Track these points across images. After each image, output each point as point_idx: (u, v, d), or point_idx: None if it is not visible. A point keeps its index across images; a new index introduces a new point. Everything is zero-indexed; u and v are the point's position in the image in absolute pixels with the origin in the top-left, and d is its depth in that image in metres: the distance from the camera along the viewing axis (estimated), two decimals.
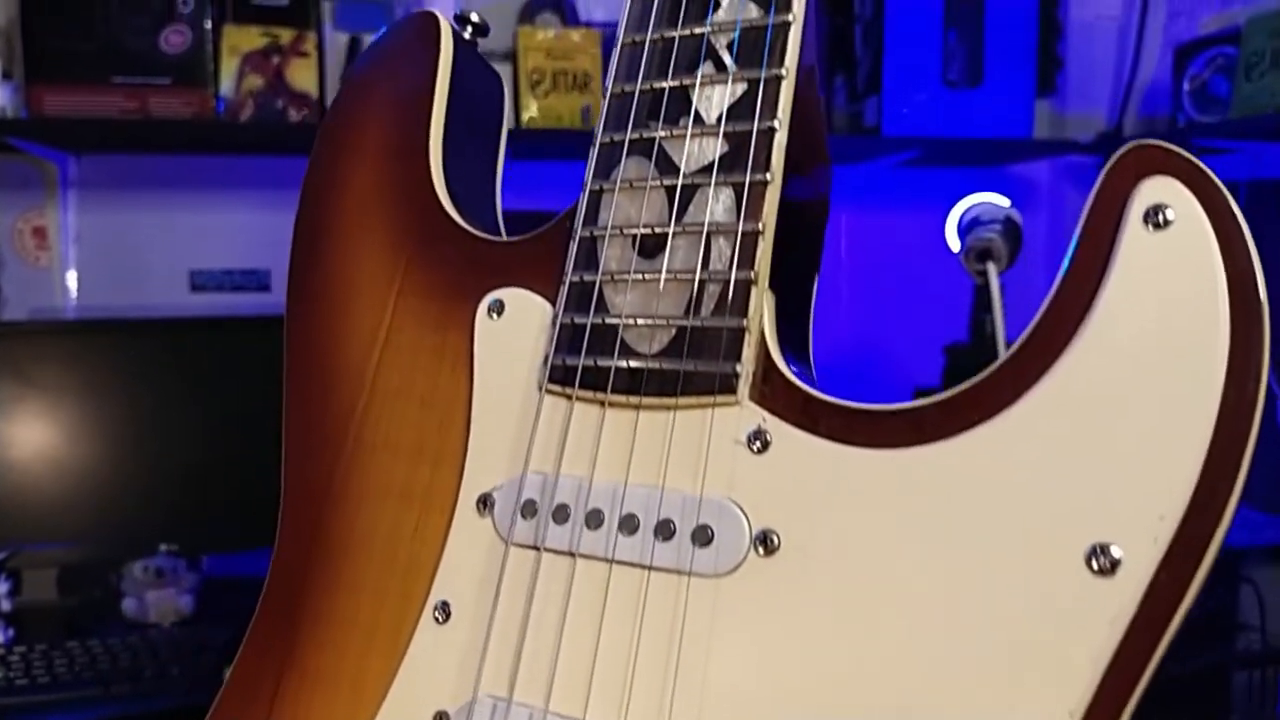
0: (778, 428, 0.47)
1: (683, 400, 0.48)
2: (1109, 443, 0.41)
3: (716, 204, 0.49)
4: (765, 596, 0.46)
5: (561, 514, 0.50)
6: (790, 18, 0.50)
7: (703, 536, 0.47)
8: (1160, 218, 0.42)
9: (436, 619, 0.52)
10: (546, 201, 1.10)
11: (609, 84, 0.54)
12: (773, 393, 0.48)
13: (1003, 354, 0.44)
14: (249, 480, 1.30)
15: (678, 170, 0.51)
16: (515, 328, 0.54)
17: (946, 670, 0.43)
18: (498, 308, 0.55)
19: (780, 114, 0.49)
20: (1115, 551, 0.40)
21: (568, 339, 0.52)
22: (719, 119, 0.50)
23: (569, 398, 0.51)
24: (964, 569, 0.43)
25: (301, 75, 1.51)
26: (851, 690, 0.44)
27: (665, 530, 0.48)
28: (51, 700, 1.18)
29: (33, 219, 1.60)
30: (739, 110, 0.50)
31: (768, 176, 0.48)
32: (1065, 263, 0.44)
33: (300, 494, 0.58)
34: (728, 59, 0.51)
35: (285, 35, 1.50)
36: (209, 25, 1.47)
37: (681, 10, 0.52)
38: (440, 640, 0.52)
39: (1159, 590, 0.40)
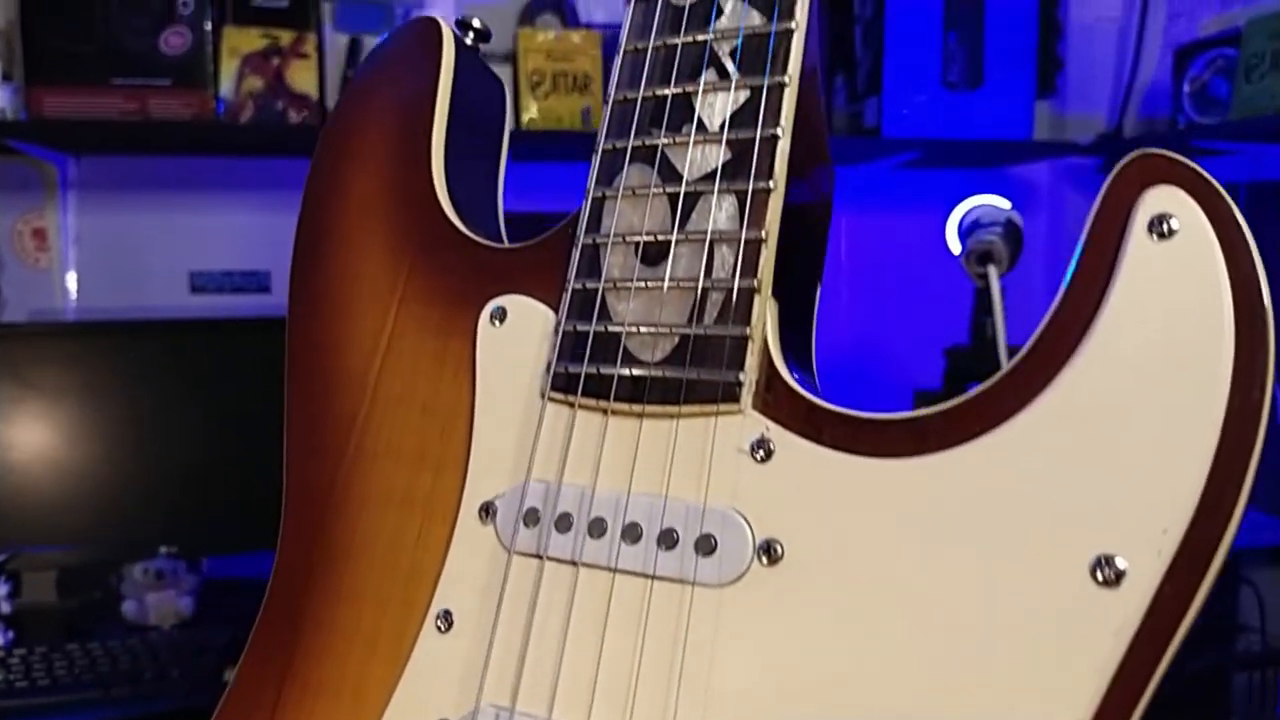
0: (781, 436, 0.47)
1: (686, 409, 0.48)
2: (1113, 454, 0.41)
3: (719, 211, 0.49)
4: (769, 606, 0.46)
5: (564, 522, 0.50)
6: (793, 25, 0.50)
7: (706, 546, 0.47)
8: (1165, 227, 0.41)
9: (439, 627, 0.52)
10: (546, 203, 1.10)
11: (611, 91, 0.54)
12: (776, 401, 0.47)
13: (1005, 361, 0.44)
14: (249, 482, 1.30)
15: (680, 177, 0.51)
16: (517, 335, 0.54)
17: (950, 681, 0.43)
18: (500, 315, 0.54)
19: (783, 121, 0.49)
20: (1120, 563, 0.40)
21: (570, 346, 0.52)
22: (722, 126, 0.50)
23: (572, 405, 0.51)
24: (968, 580, 0.43)
25: (301, 77, 1.51)
26: (855, 701, 0.44)
27: (668, 539, 0.48)
28: (51, 703, 1.18)
29: (32, 220, 1.60)
30: (742, 117, 0.50)
31: (771, 184, 0.48)
32: (1069, 272, 0.44)
33: (302, 501, 0.58)
34: (730, 66, 0.51)
35: (285, 37, 1.50)
36: (209, 27, 1.46)
37: (684, 17, 0.52)
38: (442, 649, 0.52)
39: (1164, 602, 0.40)
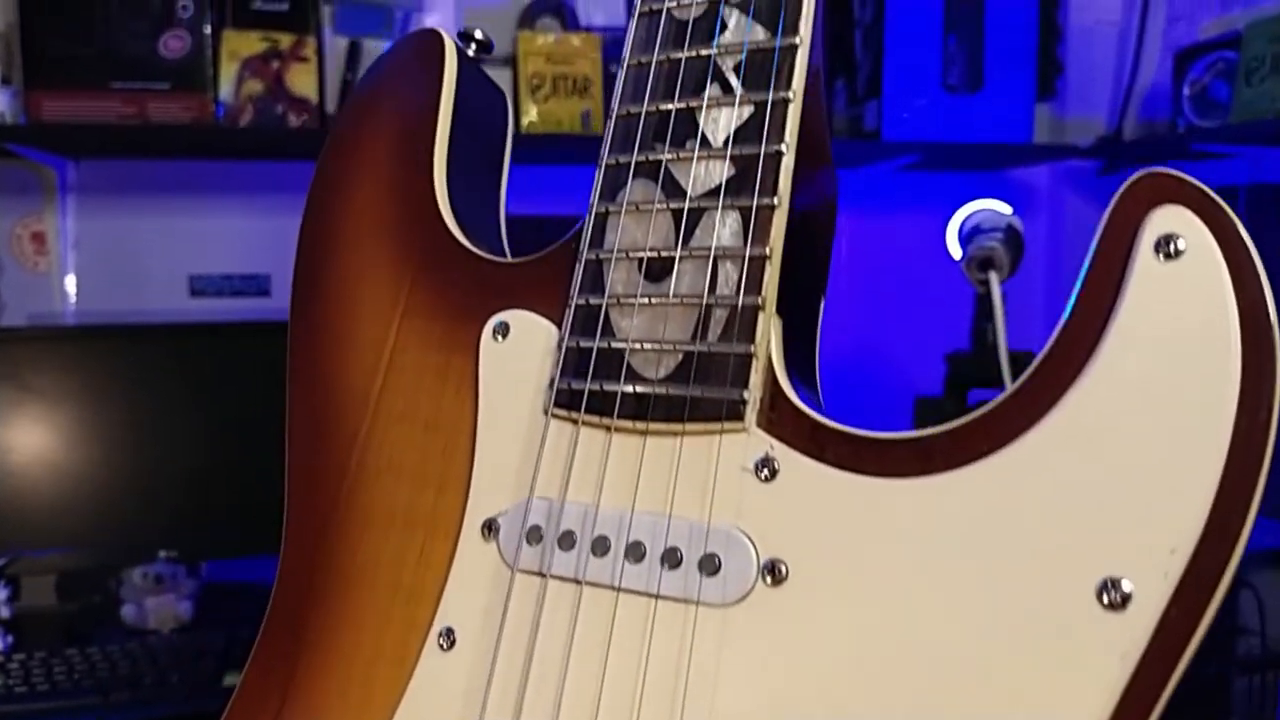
0: (785, 455, 0.47)
1: (690, 426, 0.48)
2: (1119, 476, 0.41)
3: (723, 228, 0.49)
4: (773, 627, 0.45)
5: (567, 540, 0.50)
6: (797, 40, 0.49)
7: (710, 565, 0.47)
8: (1171, 247, 0.41)
9: (441, 646, 0.52)
10: (546, 206, 1.10)
11: (614, 105, 0.54)
12: (780, 419, 0.47)
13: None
14: (249, 486, 1.30)
15: (684, 193, 0.50)
16: (520, 350, 0.54)
17: (957, 703, 0.42)
18: (503, 330, 0.54)
19: (788, 137, 0.49)
20: (1126, 586, 0.40)
21: (573, 363, 0.51)
22: (726, 142, 0.50)
23: (575, 422, 0.51)
24: (973, 602, 0.42)
25: (301, 80, 1.50)
26: None
27: (672, 558, 0.47)
28: (50, 708, 1.17)
29: (31, 224, 1.59)
30: (746, 133, 0.50)
31: (775, 200, 0.48)
32: (1075, 290, 0.43)
33: (303, 516, 0.58)
34: (734, 81, 0.50)
35: (285, 40, 1.50)
36: (208, 30, 1.46)
37: (688, 32, 0.52)
38: (445, 667, 0.52)
39: (1170, 624, 0.40)
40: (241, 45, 1.48)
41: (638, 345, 0.50)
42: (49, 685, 1.20)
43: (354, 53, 1.60)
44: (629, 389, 0.50)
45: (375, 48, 1.62)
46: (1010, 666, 0.42)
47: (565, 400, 0.51)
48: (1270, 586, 1.57)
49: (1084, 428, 0.42)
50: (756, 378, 0.47)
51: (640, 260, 0.51)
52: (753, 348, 0.47)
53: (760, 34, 0.50)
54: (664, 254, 0.50)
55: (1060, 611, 0.41)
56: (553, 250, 0.55)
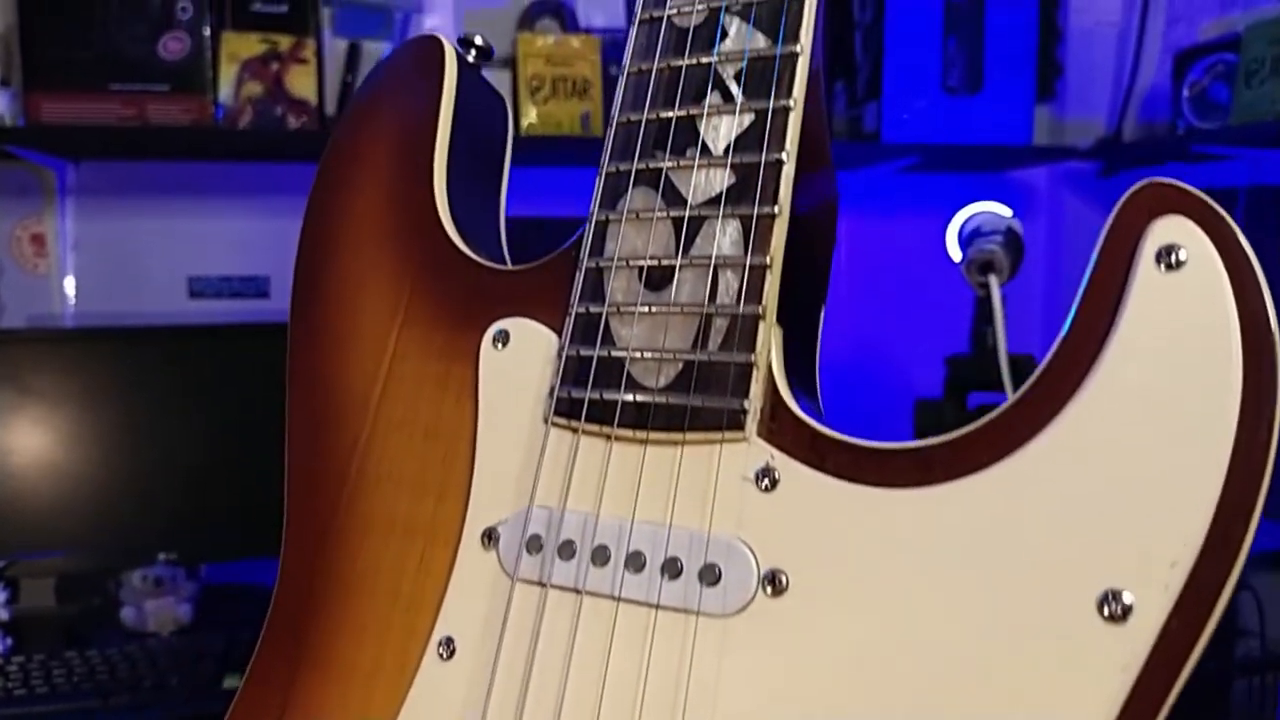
0: (786, 465, 0.46)
1: (690, 436, 0.48)
2: (1120, 488, 0.41)
3: (724, 236, 0.49)
4: (774, 637, 0.45)
5: (567, 550, 0.50)
6: (798, 48, 0.49)
7: (710, 575, 0.47)
8: (1173, 258, 0.41)
9: (440, 655, 0.52)
10: (546, 208, 1.10)
11: (615, 113, 0.53)
12: (781, 429, 0.47)
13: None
14: (248, 488, 1.30)
15: (685, 201, 0.50)
16: (520, 359, 0.54)
17: (956, 714, 0.42)
18: (503, 338, 0.54)
19: (788, 145, 0.49)
20: (1127, 598, 0.40)
21: (573, 371, 0.51)
22: (726, 150, 0.50)
23: (575, 431, 0.51)
24: (973, 613, 0.42)
25: (300, 82, 1.50)
26: None
27: (672, 568, 0.47)
28: (50, 711, 1.17)
29: (31, 226, 1.59)
30: (746, 141, 0.50)
31: (775, 209, 0.48)
32: (1077, 301, 0.43)
33: (303, 524, 0.57)
34: (735, 89, 0.50)
35: (284, 42, 1.49)
36: (208, 32, 1.46)
37: (688, 39, 0.52)
38: (444, 677, 0.52)
39: (1171, 637, 0.40)
40: (241, 47, 1.48)
41: (638, 354, 0.50)
42: (48, 688, 1.20)
43: (353, 55, 1.60)
44: (629, 398, 0.50)
45: (375, 49, 1.62)
46: (1010, 678, 0.42)
47: (565, 409, 0.51)
48: (1270, 588, 1.57)
49: (1084, 440, 0.42)
50: (757, 387, 0.47)
51: (640, 269, 0.51)
52: (753, 357, 0.47)
53: (761, 42, 0.50)
54: (664, 262, 0.50)
55: (1061, 623, 0.41)
56: (553, 258, 0.55)
